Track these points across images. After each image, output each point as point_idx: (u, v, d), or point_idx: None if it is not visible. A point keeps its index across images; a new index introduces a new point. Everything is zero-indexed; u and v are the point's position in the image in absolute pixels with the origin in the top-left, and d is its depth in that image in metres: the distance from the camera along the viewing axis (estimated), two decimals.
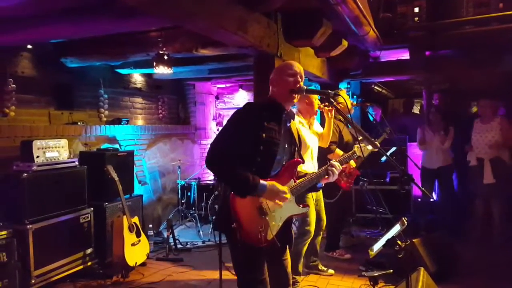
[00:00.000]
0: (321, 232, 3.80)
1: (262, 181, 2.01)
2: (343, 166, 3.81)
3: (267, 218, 2.05)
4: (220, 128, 2.19)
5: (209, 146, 2.11)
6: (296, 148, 2.27)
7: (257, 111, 2.13)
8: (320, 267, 3.91)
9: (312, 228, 3.53)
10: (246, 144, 2.04)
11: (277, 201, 2.05)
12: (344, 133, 4.10)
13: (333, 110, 3.51)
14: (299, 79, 2.17)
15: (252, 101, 2.42)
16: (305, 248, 3.59)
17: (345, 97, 3.76)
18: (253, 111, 2.13)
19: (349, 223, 5.16)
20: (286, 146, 2.19)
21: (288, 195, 2.09)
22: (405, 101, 8.15)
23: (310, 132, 3.52)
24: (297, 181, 2.18)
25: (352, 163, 3.97)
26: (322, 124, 4.16)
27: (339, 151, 3.85)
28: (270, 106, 2.18)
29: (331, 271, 3.90)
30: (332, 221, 4.22)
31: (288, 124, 2.23)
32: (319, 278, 3.84)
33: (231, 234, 2.06)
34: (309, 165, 3.37)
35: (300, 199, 3.43)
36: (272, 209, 2.07)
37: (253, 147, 2.04)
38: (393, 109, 8.99)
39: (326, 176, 2.23)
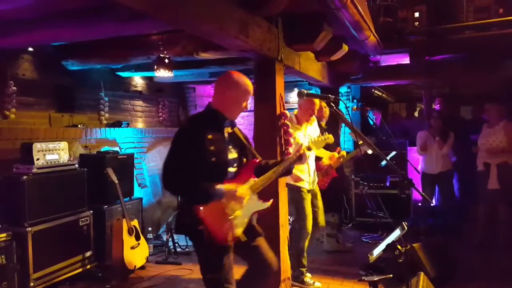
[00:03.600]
0: (318, 237, 3.83)
1: (218, 187, 2.11)
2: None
3: (231, 218, 2.16)
4: (169, 148, 2.26)
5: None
6: (247, 150, 2.41)
7: (199, 127, 2.23)
8: (306, 278, 3.71)
9: (308, 223, 3.62)
10: (196, 160, 2.14)
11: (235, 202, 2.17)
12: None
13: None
14: (249, 103, 2.35)
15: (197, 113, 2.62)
16: (306, 244, 3.67)
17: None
18: (195, 129, 2.23)
19: (340, 227, 4.97)
20: (234, 149, 2.33)
21: (247, 196, 2.19)
22: (408, 105, 8.15)
23: (303, 135, 3.64)
24: (256, 179, 2.28)
25: (325, 161, 4.11)
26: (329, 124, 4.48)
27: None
28: (212, 117, 2.30)
29: (318, 284, 3.71)
30: None
31: (232, 130, 2.37)
32: (319, 281, 3.82)
33: (198, 236, 2.15)
34: (304, 166, 3.56)
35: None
36: (235, 209, 2.18)
37: (204, 160, 2.16)
38: (394, 113, 8.98)
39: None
